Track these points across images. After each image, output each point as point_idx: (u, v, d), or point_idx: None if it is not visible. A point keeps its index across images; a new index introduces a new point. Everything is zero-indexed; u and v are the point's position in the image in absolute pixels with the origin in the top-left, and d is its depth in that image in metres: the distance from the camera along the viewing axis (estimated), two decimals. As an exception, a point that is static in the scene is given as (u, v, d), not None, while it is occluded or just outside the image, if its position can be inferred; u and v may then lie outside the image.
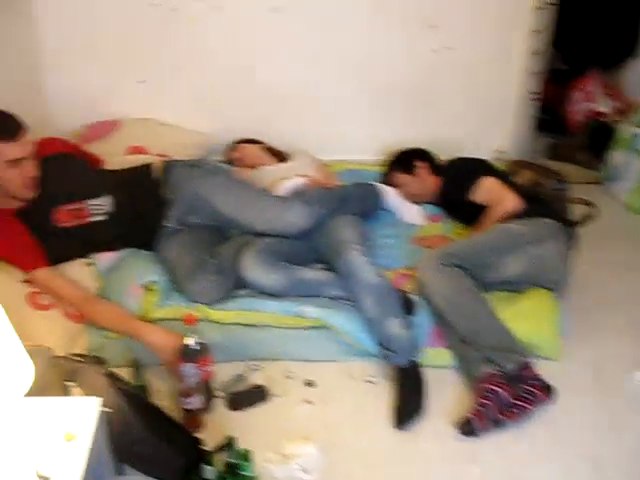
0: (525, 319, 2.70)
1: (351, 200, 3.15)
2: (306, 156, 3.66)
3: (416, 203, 3.48)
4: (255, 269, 2.73)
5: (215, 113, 3.87)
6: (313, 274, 2.82)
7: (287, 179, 3.24)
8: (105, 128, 3.68)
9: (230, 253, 2.88)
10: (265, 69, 3.75)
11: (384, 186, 3.40)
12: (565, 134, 4.89)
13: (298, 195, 3.03)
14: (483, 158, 3.47)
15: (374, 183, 3.40)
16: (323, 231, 2.97)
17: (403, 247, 3.19)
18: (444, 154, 3.69)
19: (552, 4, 3.72)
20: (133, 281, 2.74)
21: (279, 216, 2.92)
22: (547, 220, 2.89)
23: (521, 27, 3.76)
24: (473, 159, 3.43)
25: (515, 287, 2.87)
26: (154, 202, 2.99)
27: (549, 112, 4.87)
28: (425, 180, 3.47)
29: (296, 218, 2.90)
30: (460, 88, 3.88)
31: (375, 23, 3.66)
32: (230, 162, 3.77)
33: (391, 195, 3.39)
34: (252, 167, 3.61)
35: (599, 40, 4.82)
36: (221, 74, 3.76)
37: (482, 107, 3.95)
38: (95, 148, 3.46)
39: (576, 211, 3.69)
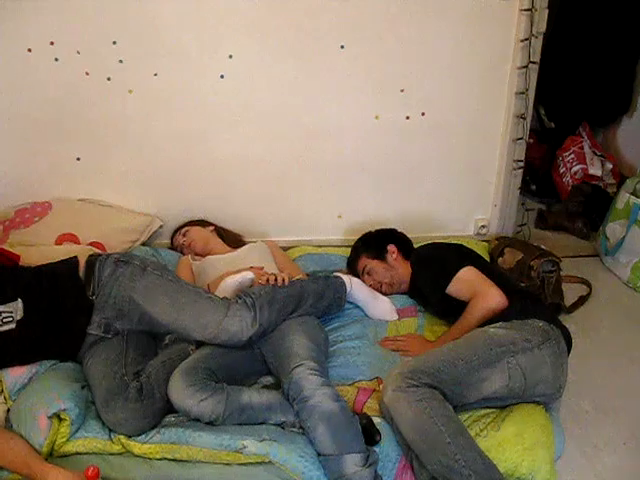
0: (512, 446, 2.22)
1: (308, 298, 2.70)
2: (260, 242, 3.27)
3: (387, 294, 3.04)
4: (182, 394, 2.26)
5: (160, 191, 3.50)
6: (257, 397, 2.35)
7: (233, 273, 2.80)
8: (35, 212, 3.28)
9: (160, 370, 2.42)
10: (215, 142, 3.36)
11: (348, 277, 2.94)
12: (555, 200, 4.50)
13: (243, 296, 2.57)
14: (460, 243, 3.06)
15: (336, 274, 2.95)
16: (271, 339, 2.55)
17: (368, 352, 2.72)
18: (419, 232, 3.38)
19: (535, 62, 3.31)
20: (42, 410, 2.26)
21: (217, 324, 2.45)
22: (536, 322, 2.45)
23: (502, 88, 3.38)
24: (448, 245, 3.01)
25: (499, 403, 2.40)
26: (76, 305, 2.55)
27: (536, 176, 4.51)
28: (397, 267, 3.04)
29: (236, 326, 2.45)
30: (436, 158, 3.49)
31: (339, 88, 3.27)
32: (177, 248, 3.38)
33: (357, 287, 2.93)
34: (202, 255, 3.21)
35: (589, 96, 4.47)
36: (164, 147, 3.37)
37: (461, 179, 3.57)
38: (22, 236, 3.14)
39: (570, 292, 3.37)
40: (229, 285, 2.74)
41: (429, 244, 3.07)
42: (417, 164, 3.47)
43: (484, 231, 3.68)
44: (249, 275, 2.76)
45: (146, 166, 3.42)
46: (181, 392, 2.27)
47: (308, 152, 3.40)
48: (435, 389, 2.22)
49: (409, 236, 3.18)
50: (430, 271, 2.86)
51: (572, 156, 4.45)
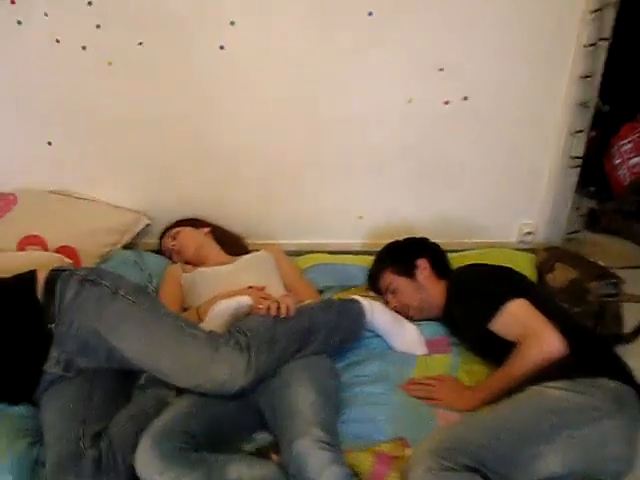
0: None
1: (318, 333, 2.23)
2: (263, 252, 2.84)
3: (414, 319, 2.55)
4: (151, 470, 1.80)
5: (147, 183, 3.15)
6: (247, 473, 1.86)
7: (227, 295, 2.35)
8: (-3, 207, 2.84)
9: (128, 429, 1.96)
10: (213, 126, 3.01)
11: (369, 302, 2.46)
12: (605, 195, 4.14)
13: (236, 332, 2.10)
14: (510, 267, 2.54)
15: (355, 298, 2.47)
16: (269, 387, 2.08)
17: (390, 400, 2.21)
18: (453, 237, 3.07)
19: (605, 39, 2.84)
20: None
21: (202, 370, 2.00)
22: (607, 382, 1.95)
23: (562, 71, 2.97)
24: (495, 268, 2.50)
25: (555, 484, 1.91)
26: (30, 336, 2.10)
27: (587, 168, 4.00)
28: (429, 288, 2.56)
29: (225, 375, 1.99)
30: (477, 151, 3.09)
31: (364, 64, 2.88)
32: (166, 253, 2.96)
33: (379, 314, 2.45)
34: (194, 262, 2.79)
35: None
36: (152, 132, 3.02)
37: (506, 176, 3.17)
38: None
39: (628, 313, 2.80)
40: (221, 312, 2.30)
41: (472, 265, 2.60)
42: (455, 157, 3.10)
43: (529, 238, 3.27)
44: (246, 301, 2.30)
45: (130, 153, 3.06)
46: (150, 467, 1.82)
47: (324, 141, 3.05)
48: (476, 471, 1.76)
49: (441, 242, 2.74)
50: (471, 300, 2.36)
51: (630, 146, 4.08)
